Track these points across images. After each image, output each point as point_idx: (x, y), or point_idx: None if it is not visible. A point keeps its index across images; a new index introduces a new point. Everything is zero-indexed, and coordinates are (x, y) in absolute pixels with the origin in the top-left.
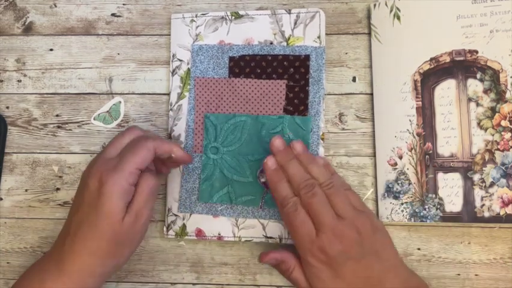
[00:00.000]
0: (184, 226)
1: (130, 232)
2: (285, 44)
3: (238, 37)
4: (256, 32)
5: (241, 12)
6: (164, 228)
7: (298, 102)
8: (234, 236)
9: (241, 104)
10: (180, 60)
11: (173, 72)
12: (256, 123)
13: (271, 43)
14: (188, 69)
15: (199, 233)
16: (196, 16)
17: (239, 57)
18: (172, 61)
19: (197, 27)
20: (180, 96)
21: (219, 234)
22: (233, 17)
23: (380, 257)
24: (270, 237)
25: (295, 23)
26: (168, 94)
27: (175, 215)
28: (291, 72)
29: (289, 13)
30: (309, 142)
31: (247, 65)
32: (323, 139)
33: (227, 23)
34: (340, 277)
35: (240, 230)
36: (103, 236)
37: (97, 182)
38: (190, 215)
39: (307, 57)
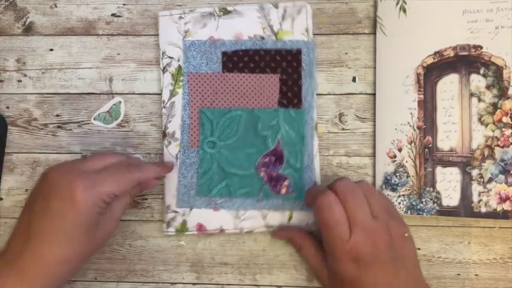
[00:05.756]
0: (184, 222)
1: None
2: (274, 38)
3: (228, 32)
4: (245, 27)
5: (229, 8)
6: (164, 225)
7: (292, 95)
8: (236, 228)
9: (236, 99)
10: (170, 58)
11: (164, 70)
12: (252, 116)
13: (263, 38)
14: (179, 66)
15: (200, 227)
16: (184, 13)
17: (232, 52)
18: (161, 59)
19: (185, 23)
20: (172, 94)
21: (221, 227)
22: (221, 13)
23: (405, 264)
24: (271, 226)
25: (283, 17)
26: None
27: (175, 212)
28: (284, 66)
29: (277, 7)
30: (304, 134)
31: (241, 59)
32: (320, 133)
33: (215, 18)
34: (363, 277)
35: (241, 222)
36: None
37: (68, 193)
38: (191, 210)
39: (299, 52)
